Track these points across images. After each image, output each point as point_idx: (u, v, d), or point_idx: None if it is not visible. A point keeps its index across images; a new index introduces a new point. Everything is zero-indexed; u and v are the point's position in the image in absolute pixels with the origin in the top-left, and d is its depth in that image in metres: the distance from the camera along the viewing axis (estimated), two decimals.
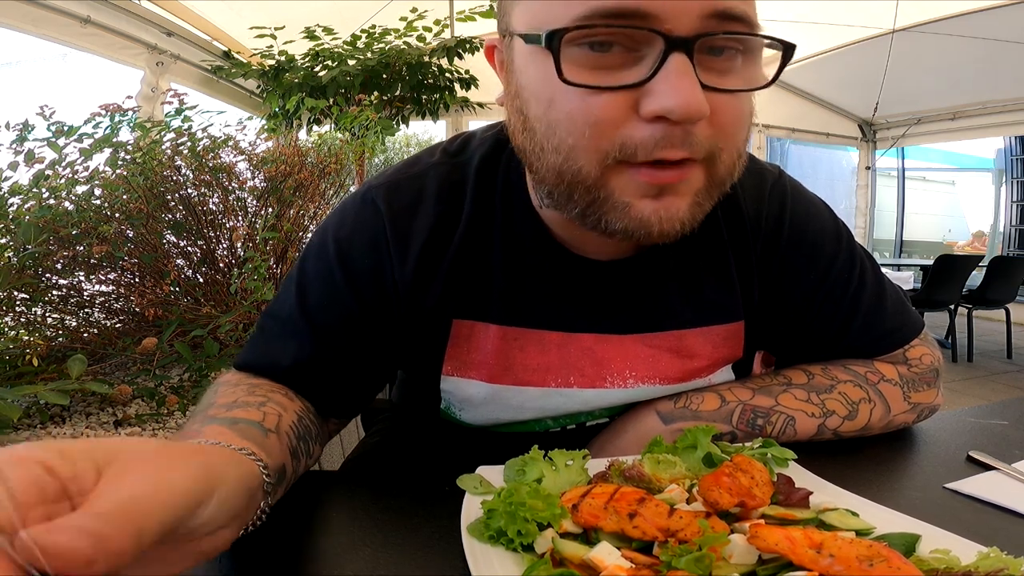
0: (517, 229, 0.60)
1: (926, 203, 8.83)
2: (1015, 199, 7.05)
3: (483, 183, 0.61)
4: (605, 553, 0.37)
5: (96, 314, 1.93)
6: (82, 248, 1.68)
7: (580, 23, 0.43)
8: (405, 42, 4.46)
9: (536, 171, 0.51)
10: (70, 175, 1.80)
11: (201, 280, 1.95)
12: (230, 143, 2.06)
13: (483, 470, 0.50)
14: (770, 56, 0.49)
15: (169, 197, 1.89)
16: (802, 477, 0.50)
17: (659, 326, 0.63)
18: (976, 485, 0.53)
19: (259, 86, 4.54)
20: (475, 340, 0.62)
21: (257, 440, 0.46)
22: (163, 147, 1.94)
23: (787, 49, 0.46)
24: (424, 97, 4.65)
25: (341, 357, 0.61)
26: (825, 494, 0.48)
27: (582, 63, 0.44)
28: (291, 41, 4.24)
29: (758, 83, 0.47)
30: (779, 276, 0.65)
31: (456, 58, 4.47)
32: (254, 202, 2.09)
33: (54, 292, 1.82)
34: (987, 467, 0.57)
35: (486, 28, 4.64)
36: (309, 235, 2.42)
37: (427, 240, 0.59)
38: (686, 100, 0.42)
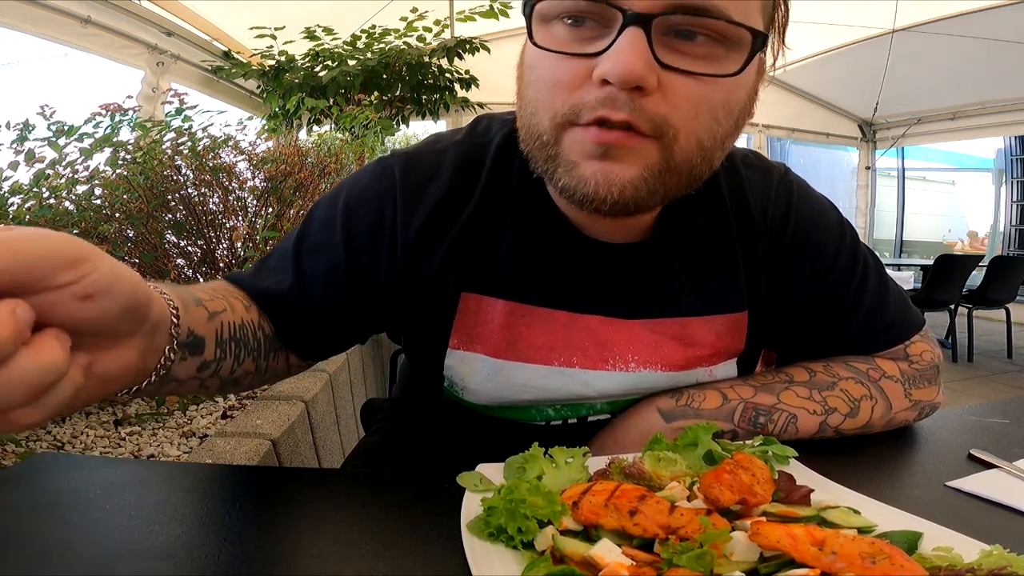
0: (530, 209, 0.62)
1: (926, 203, 8.84)
2: (1015, 199, 7.05)
3: (501, 163, 0.63)
4: (606, 550, 0.37)
5: None
6: None
7: None
8: (405, 42, 4.47)
9: (519, 132, 0.56)
10: (70, 175, 1.80)
11: (201, 280, 1.94)
12: (230, 143, 2.06)
13: (483, 468, 0.50)
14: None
15: (169, 197, 1.89)
16: (803, 475, 0.50)
17: (663, 312, 0.64)
18: (977, 483, 0.53)
19: (259, 86, 4.54)
20: (482, 314, 0.63)
21: (184, 299, 0.49)
22: (163, 147, 1.94)
23: (756, 37, 0.48)
24: (424, 97, 4.66)
25: (315, 300, 0.63)
26: (826, 492, 0.47)
27: (559, 35, 0.49)
28: (291, 41, 4.24)
29: (726, 71, 0.48)
30: (783, 272, 0.66)
31: (456, 58, 4.48)
32: (254, 202, 2.09)
33: None
34: (988, 465, 0.57)
35: (486, 28, 4.64)
36: None
37: (436, 207, 0.62)
38: (622, 66, 0.45)
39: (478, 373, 0.64)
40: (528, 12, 0.50)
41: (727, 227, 0.64)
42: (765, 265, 0.66)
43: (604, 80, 0.47)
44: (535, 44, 0.50)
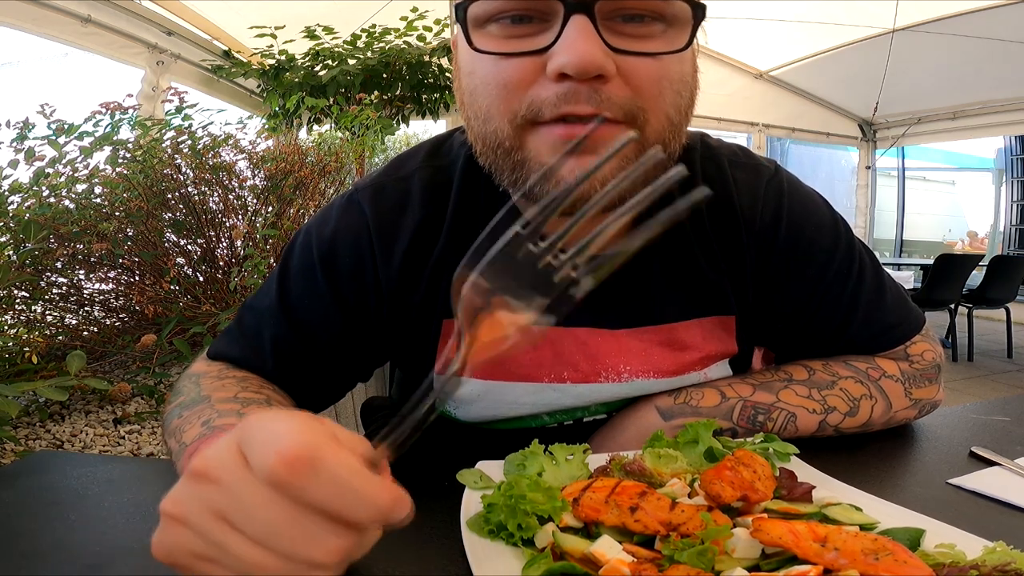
0: (502, 227, 0.60)
1: (926, 203, 8.83)
2: (1015, 199, 7.05)
3: (468, 181, 0.61)
4: (606, 547, 0.37)
5: (96, 312, 1.93)
6: (82, 246, 1.68)
7: None
8: (405, 41, 4.46)
9: (472, 145, 0.54)
10: (70, 173, 1.80)
11: (201, 278, 1.94)
12: (230, 141, 2.06)
13: (483, 465, 0.50)
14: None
15: (169, 195, 1.89)
16: (805, 472, 0.50)
17: (649, 319, 0.63)
18: (979, 481, 0.53)
19: (259, 85, 4.54)
20: None
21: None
22: (163, 145, 1.94)
23: (696, 8, 0.48)
24: (424, 96, 4.66)
25: (318, 353, 0.62)
26: (828, 489, 0.47)
27: (497, 34, 0.48)
28: (291, 40, 4.24)
29: (677, 45, 0.48)
30: (777, 274, 0.64)
31: None
32: (254, 200, 2.09)
33: (54, 290, 1.81)
34: (990, 463, 0.57)
35: None
36: None
37: (412, 240, 0.60)
38: (580, 55, 0.44)
39: (467, 394, 0.63)
40: (462, 17, 0.48)
41: (705, 231, 0.63)
42: (755, 267, 0.64)
43: (561, 74, 0.45)
44: (475, 49, 0.48)
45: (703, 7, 0.48)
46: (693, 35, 0.49)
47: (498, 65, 0.48)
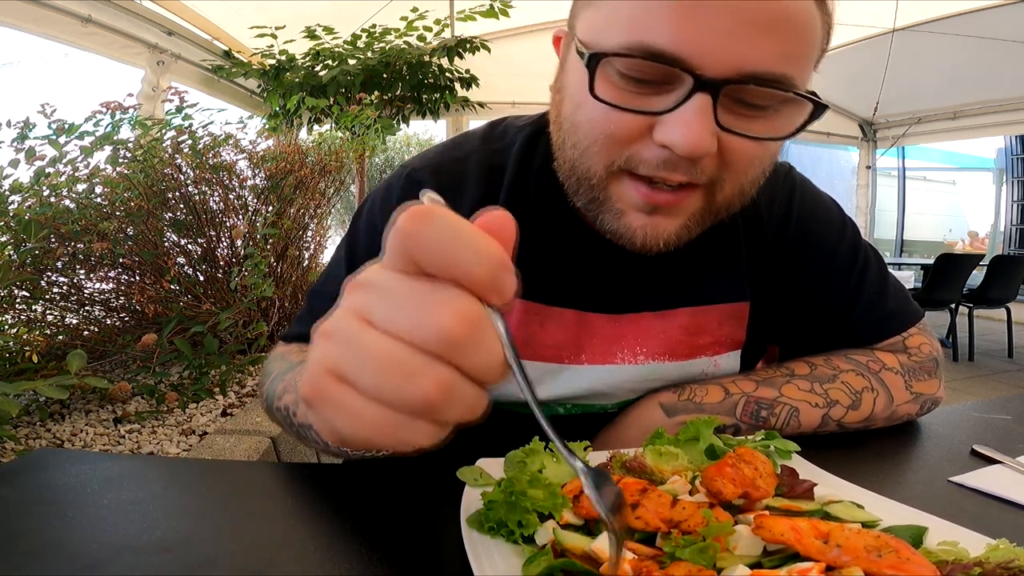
0: (548, 210, 0.64)
1: (926, 203, 8.84)
2: (1015, 199, 7.05)
3: (522, 167, 0.64)
4: (608, 544, 0.37)
5: (96, 312, 1.93)
6: (82, 245, 1.67)
7: (619, 51, 0.46)
8: (405, 42, 4.47)
9: (557, 159, 0.58)
10: (71, 173, 1.80)
11: (201, 278, 1.94)
12: (230, 141, 2.06)
13: (483, 462, 0.50)
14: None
15: (170, 195, 1.89)
16: (806, 469, 0.50)
17: (671, 304, 0.66)
18: (981, 478, 0.52)
19: (259, 85, 4.55)
20: None
21: None
22: (164, 145, 1.94)
23: (816, 108, 0.48)
24: (424, 96, 4.66)
25: None
26: (830, 486, 0.47)
27: (616, 81, 0.48)
28: (291, 41, 4.24)
29: (783, 132, 0.49)
30: (786, 264, 0.68)
31: (456, 58, 4.48)
32: (254, 200, 2.09)
33: (54, 290, 1.81)
34: (991, 461, 0.57)
35: (486, 28, 4.64)
36: (310, 233, 2.42)
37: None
38: (690, 139, 0.45)
39: None
40: (592, 66, 0.47)
41: (733, 222, 0.66)
42: (771, 258, 0.68)
43: (663, 144, 0.47)
44: (596, 97, 0.48)
45: (824, 106, 0.48)
46: (803, 128, 0.49)
47: (609, 115, 0.49)
